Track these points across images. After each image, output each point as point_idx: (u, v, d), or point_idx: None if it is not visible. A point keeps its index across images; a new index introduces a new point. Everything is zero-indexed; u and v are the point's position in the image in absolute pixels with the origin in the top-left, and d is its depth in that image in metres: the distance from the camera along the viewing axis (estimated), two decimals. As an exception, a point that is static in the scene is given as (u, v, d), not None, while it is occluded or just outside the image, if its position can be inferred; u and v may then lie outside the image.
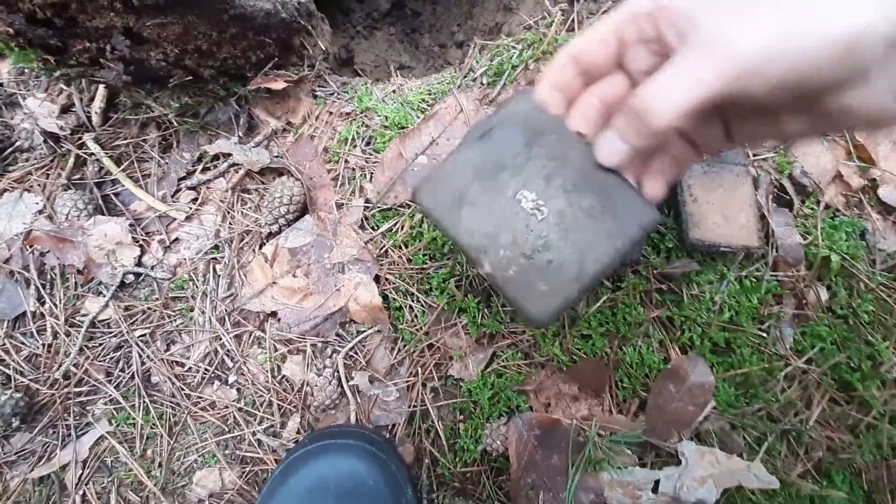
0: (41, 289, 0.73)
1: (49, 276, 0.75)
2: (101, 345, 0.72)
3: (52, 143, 0.78)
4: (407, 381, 0.71)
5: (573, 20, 0.80)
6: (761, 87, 0.33)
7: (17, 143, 0.78)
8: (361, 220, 0.75)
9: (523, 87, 0.46)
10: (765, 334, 0.69)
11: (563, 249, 0.46)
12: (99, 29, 0.60)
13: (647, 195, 0.47)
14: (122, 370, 0.72)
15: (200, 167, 0.79)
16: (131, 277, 0.75)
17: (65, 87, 0.76)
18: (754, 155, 0.75)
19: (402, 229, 0.74)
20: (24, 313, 0.73)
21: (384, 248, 0.73)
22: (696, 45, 0.34)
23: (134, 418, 0.70)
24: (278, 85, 0.75)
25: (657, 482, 0.64)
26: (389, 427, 0.70)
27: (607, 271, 0.47)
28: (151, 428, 0.70)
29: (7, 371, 0.71)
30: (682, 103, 0.34)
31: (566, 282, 0.46)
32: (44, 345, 0.72)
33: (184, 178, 0.79)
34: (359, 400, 0.70)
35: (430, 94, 0.82)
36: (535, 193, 0.47)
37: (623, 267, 0.69)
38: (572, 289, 0.46)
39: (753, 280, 0.70)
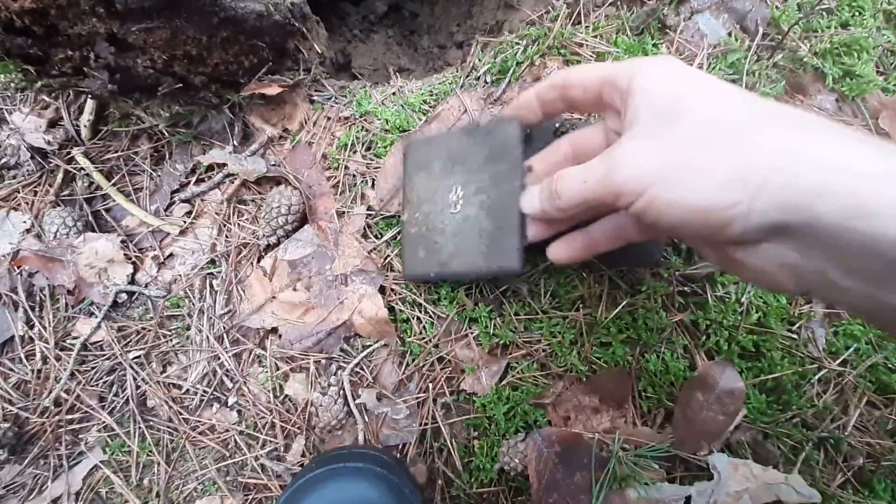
0: (30, 311, 0.70)
1: (38, 298, 0.71)
2: (93, 368, 0.69)
3: (39, 159, 0.75)
4: (417, 398, 0.67)
5: (579, 12, 0.77)
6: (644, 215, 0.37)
7: (3, 160, 0.75)
8: (364, 228, 0.72)
9: (510, 116, 0.57)
10: (795, 336, 0.65)
11: (448, 242, 0.61)
12: (81, 36, 0.56)
13: (550, 254, 0.54)
14: (116, 395, 0.68)
15: (194, 179, 0.76)
16: (124, 296, 0.71)
17: (48, 99, 0.73)
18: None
19: (406, 237, 0.70)
20: (12, 338, 0.69)
21: (388, 258, 0.70)
22: (607, 152, 0.39)
23: (129, 446, 0.66)
24: (273, 90, 0.71)
25: (688, 499, 0.60)
26: (400, 447, 0.66)
27: (464, 277, 0.64)
28: (148, 455, 0.66)
29: (-5, 399, 0.67)
30: (577, 197, 0.41)
31: (434, 262, 0.61)
32: (33, 370, 0.68)
33: (177, 191, 0.75)
34: (366, 419, 0.66)
35: (431, 95, 0.78)
36: (464, 193, 0.60)
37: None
38: (433, 269, 0.61)
39: (780, 279, 0.66)
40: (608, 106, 0.44)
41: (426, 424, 0.66)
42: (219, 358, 0.69)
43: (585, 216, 0.49)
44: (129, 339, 0.70)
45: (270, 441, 0.66)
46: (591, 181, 0.39)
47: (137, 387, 0.68)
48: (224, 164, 0.74)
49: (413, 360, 0.68)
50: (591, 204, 0.40)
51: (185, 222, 0.73)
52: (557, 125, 0.70)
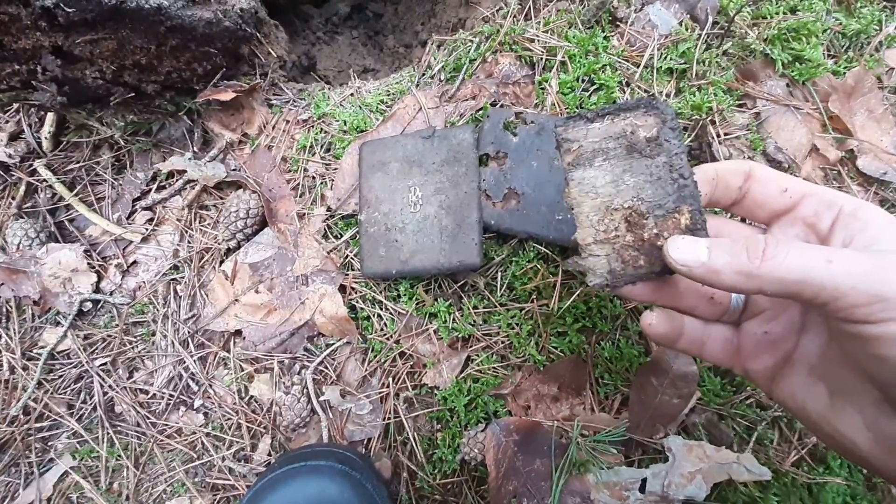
0: (-4, 323, 0.71)
1: (4, 310, 0.72)
2: (60, 377, 0.70)
3: (1, 172, 0.76)
4: (380, 393, 0.68)
5: (529, 8, 0.77)
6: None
7: (-35, 175, 0.75)
8: (324, 229, 0.73)
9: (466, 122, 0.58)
10: (748, 318, 0.66)
11: (408, 240, 0.64)
12: (27, 50, 0.57)
13: (646, 326, 0.44)
14: (84, 402, 0.69)
15: (155, 186, 0.77)
16: (89, 305, 0.72)
17: (1, 115, 0.74)
18: (725, 134, 0.72)
19: (365, 236, 0.71)
20: (-21, 350, 0.70)
21: (348, 257, 0.71)
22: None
23: (98, 451, 0.68)
24: (227, 96, 0.72)
25: (644, 481, 0.61)
26: (365, 442, 0.68)
27: (426, 273, 0.65)
28: (117, 460, 0.67)
29: (-35, 411, 0.68)
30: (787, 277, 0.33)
31: (395, 259, 0.64)
32: (0, 381, 0.69)
33: (138, 199, 0.76)
34: (331, 416, 0.68)
35: (388, 95, 0.79)
36: (422, 193, 0.65)
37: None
38: (395, 266, 0.64)
39: (732, 263, 0.67)
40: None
41: (389, 419, 0.67)
42: (184, 362, 0.70)
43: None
44: (95, 347, 0.71)
45: (237, 441, 0.67)
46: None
47: (105, 393, 0.69)
48: (184, 171, 0.75)
49: (375, 357, 0.69)
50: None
51: (147, 230, 0.74)
52: (509, 119, 0.70)
